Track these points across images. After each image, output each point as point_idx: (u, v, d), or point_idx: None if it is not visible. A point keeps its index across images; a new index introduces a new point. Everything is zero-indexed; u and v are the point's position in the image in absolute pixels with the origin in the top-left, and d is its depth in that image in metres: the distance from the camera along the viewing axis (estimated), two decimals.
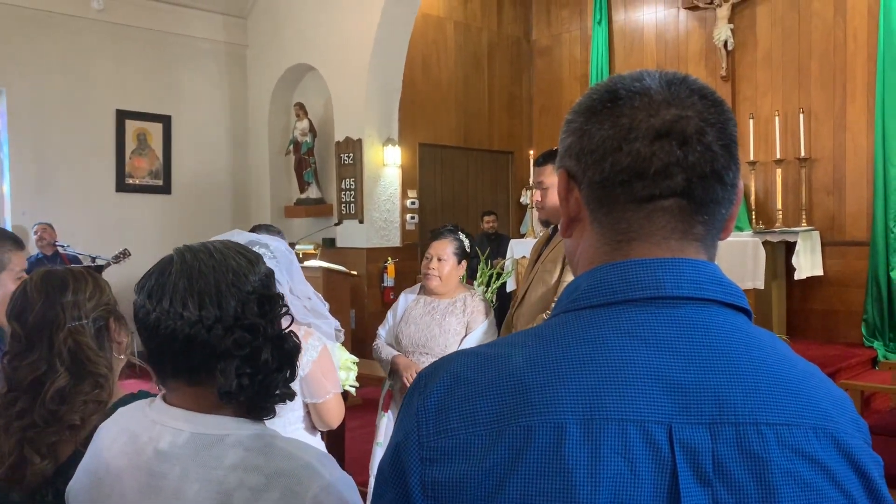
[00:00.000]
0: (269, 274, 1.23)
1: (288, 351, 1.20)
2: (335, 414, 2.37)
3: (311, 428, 2.40)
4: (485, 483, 0.67)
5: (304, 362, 2.25)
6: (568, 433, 0.66)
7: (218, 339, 1.11)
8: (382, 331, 3.55)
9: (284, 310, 1.23)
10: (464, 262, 3.41)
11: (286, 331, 1.22)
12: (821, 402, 0.72)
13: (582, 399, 0.68)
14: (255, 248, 2.25)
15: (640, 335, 0.71)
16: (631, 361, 0.69)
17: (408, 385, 3.16)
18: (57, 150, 7.70)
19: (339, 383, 2.41)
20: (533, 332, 0.77)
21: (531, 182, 7.34)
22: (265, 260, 2.16)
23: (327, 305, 2.54)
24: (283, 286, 2.29)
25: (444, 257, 3.34)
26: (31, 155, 7.58)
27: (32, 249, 7.13)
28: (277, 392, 1.19)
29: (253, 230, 3.30)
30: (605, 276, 0.76)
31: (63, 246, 6.72)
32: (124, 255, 6.63)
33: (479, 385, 0.71)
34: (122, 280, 4.89)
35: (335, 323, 2.56)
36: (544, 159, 3.05)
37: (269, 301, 1.19)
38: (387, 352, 3.42)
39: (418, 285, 3.56)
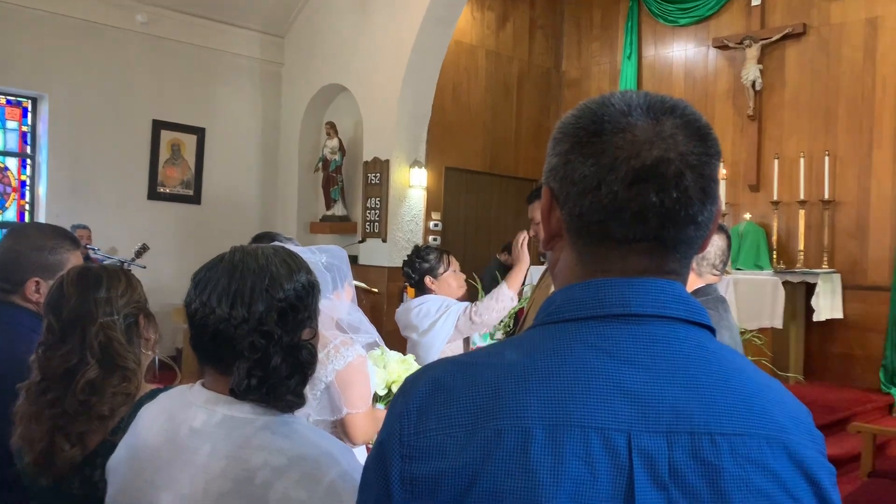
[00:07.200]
0: (307, 285, 1.28)
1: (302, 361, 1.26)
2: (360, 431, 2.26)
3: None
4: (458, 479, 0.72)
5: (329, 370, 2.20)
6: (534, 437, 0.72)
7: (240, 339, 1.19)
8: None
9: (308, 321, 1.29)
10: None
11: (305, 341, 1.27)
12: (775, 414, 0.77)
13: (548, 406, 0.73)
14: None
15: (606, 348, 0.76)
16: (595, 372, 0.75)
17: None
18: (93, 156, 7.91)
19: (366, 400, 2.31)
20: (511, 342, 0.83)
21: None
22: None
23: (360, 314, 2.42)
24: None
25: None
26: (68, 159, 7.79)
27: None
28: (288, 398, 1.25)
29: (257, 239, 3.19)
30: (578, 293, 0.81)
31: (94, 249, 6.90)
32: (144, 249, 6.79)
33: (457, 391, 0.77)
34: (148, 281, 4.94)
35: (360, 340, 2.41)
36: (534, 196, 2.99)
37: (294, 311, 1.25)
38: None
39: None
